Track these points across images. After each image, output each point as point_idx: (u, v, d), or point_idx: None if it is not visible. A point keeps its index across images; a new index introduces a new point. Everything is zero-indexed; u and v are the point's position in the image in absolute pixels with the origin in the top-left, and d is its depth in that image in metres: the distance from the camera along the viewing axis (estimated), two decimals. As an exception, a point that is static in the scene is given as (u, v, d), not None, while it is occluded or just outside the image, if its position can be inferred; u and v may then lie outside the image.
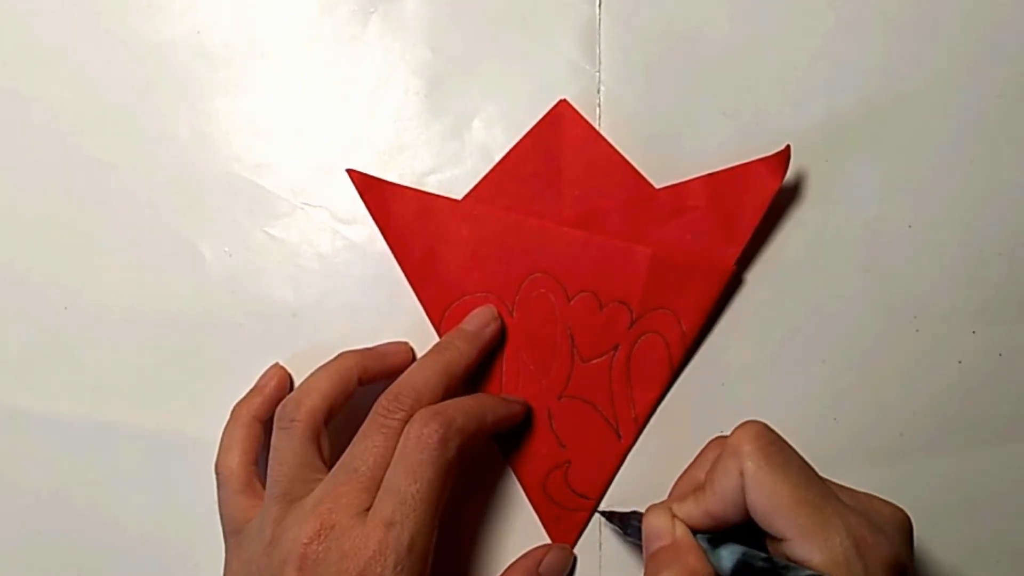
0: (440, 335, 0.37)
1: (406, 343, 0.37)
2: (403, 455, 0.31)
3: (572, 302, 0.37)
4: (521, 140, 0.37)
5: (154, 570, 0.37)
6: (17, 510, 0.38)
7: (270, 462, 0.33)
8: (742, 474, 0.28)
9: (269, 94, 0.39)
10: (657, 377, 0.36)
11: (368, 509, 0.30)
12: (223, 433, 0.35)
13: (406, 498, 0.30)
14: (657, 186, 0.37)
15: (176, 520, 0.35)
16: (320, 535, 0.30)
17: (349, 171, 0.37)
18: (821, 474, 0.29)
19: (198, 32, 0.39)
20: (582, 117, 0.37)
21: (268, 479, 0.33)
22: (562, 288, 0.37)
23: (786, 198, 0.37)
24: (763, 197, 0.36)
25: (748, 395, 0.37)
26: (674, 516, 0.31)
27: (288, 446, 0.33)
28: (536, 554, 0.36)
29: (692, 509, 0.30)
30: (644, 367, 0.36)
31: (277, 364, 0.37)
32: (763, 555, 0.28)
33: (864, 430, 0.37)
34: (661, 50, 0.38)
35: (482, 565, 0.36)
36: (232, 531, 0.34)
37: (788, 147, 0.35)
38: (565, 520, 0.37)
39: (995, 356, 0.37)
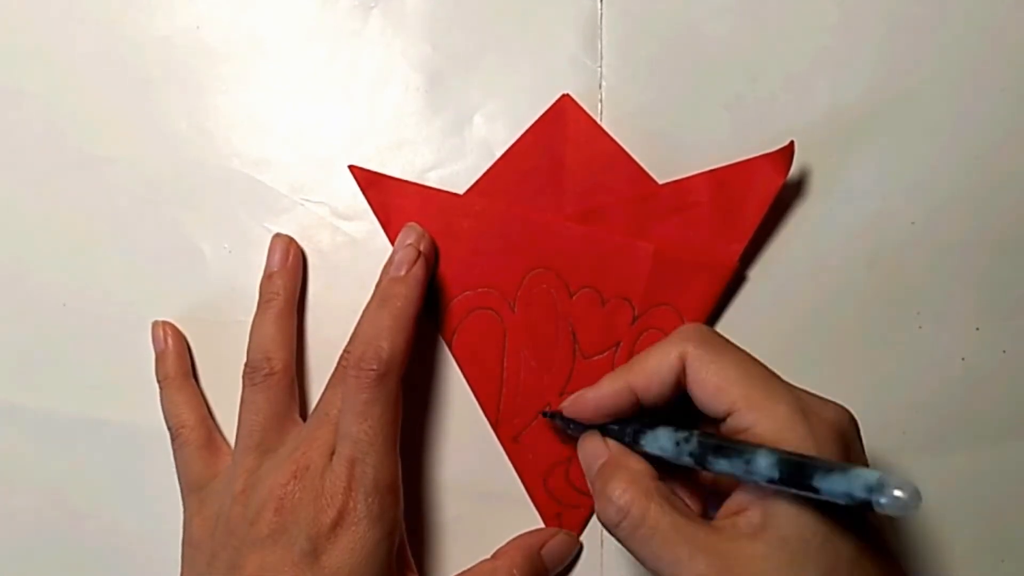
0: (441, 332, 0.37)
1: (286, 242, 0.37)
2: (348, 399, 0.32)
3: (574, 298, 0.36)
4: (523, 135, 0.37)
5: (153, 568, 0.37)
6: (15, 508, 0.38)
7: (242, 415, 0.34)
8: (682, 357, 0.29)
9: (269, 90, 0.38)
10: (659, 374, 0.36)
11: None
12: (163, 400, 0.36)
13: (360, 438, 0.31)
14: (660, 181, 0.37)
15: (176, 518, 0.35)
16: (297, 476, 0.31)
17: (351, 167, 0.37)
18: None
19: (198, 27, 0.39)
20: (584, 112, 0.37)
21: (240, 432, 0.34)
22: (564, 284, 0.36)
23: (789, 194, 0.37)
24: (767, 193, 0.36)
25: (750, 392, 0.37)
26: (604, 437, 0.32)
27: (264, 397, 0.34)
28: (541, 535, 0.36)
29: (607, 386, 0.31)
30: (646, 364, 0.36)
31: (156, 322, 0.38)
32: (698, 435, 0.28)
33: (867, 427, 0.36)
34: (663, 45, 0.37)
35: (483, 563, 0.36)
36: (193, 488, 0.35)
37: (792, 143, 0.35)
38: (566, 517, 0.36)
39: (999, 353, 0.37)
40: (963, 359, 0.37)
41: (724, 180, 0.36)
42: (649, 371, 0.30)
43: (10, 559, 0.38)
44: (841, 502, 0.24)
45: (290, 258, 0.37)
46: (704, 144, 0.37)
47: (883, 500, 0.22)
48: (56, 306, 0.38)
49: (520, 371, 0.37)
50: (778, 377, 0.29)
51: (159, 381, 0.37)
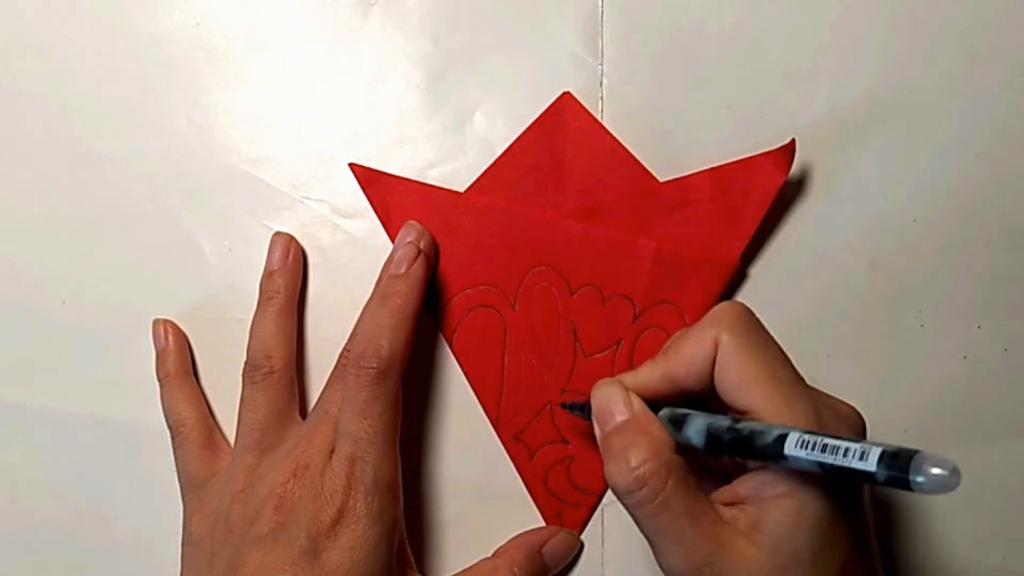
0: (441, 330, 0.37)
1: (286, 240, 0.37)
2: (348, 397, 0.32)
3: (575, 296, 0.36)
4: (524, 132, 0.37)
5: (153, 566, 0.37)
6: (14, 506, 0.38)
7: (242, 413, 0.34)
8: (716, 343, 0.28)
9: (269, 87, 0.38)
10: (660, 372, 0.36)
11: None
12: (164, 398, 0.36)
13: (360, 436, 0.31)
14: (660, 179, 0.36)
15: (175, 516, 0.35)
16: (296, 474, 0.31)
17: (351, 165, 0.37)
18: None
19: (197, 24, 0.38)
20: (585, 109, 0.37)
21: (240, 430, 0.34)
22: (565, 282, 0.36)
23: (790, 192, 0.37)
24: (768, 191, 0.36)
25: (752, 390, 0.37)
26: (628, 390, 0.30)
27: (264, 395, 0.34)
28: (542, 533, 0.36)
29: (652, 372, 0.30)
30: (647, 362, 0.36)
31: (156, 320, 0.37)
32: (728, 421, 0.27)
33: (868, 426, 0.37)
34: (664, 42, 0.37)
35: (484, 561, 0.36)
36: (193, 486, 0.35)
37: (793, 141, 0.35)
38: (567, 515, 0.36)
39: (1000, 351, 0.37)
40: (965, 357, 0.37)
41: (725, 178, 0.36)
42: (686, 357, 0.29)
43: (11, 558, 0.38)
44: (878, 480, 0.23)
45: (290, 256, 0.37)
46: (705, 142, 0.37)
47: (919, 478, 0.21)
48: (56, 304, 0.38)
49: (521, 369, 0.36)
50: (802, 381, 0.28)
51: (159, 379, 0.37)
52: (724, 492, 0.29)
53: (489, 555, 0.35)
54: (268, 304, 0.36)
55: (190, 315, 0.38)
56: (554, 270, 0.36)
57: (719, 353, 0.28)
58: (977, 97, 0.37)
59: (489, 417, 0.37)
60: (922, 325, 0.37)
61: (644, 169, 0.37)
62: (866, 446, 0.23)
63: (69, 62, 0.38)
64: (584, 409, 0.32)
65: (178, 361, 0.37)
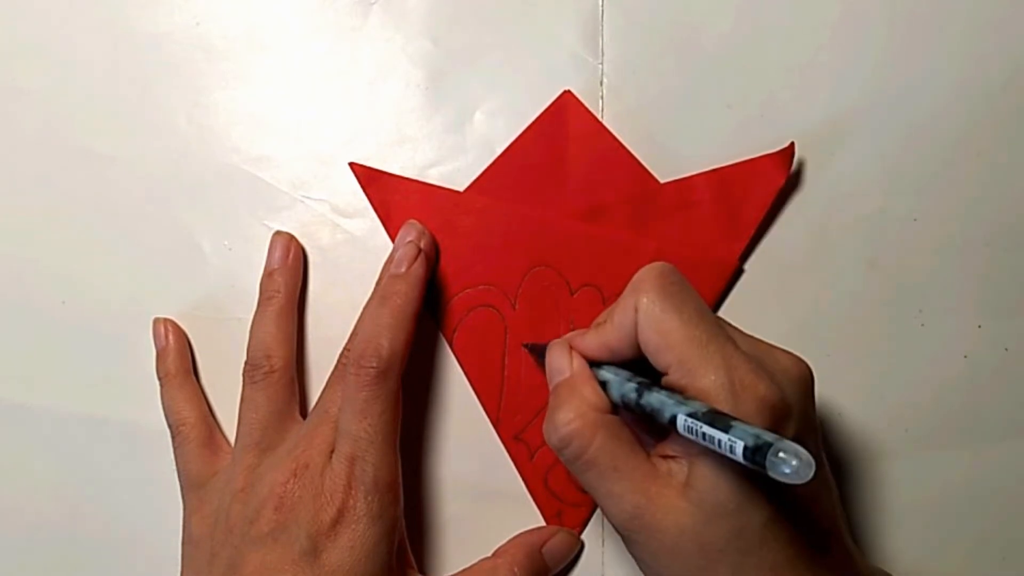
0: (442, 330, 0.37)
1: (286, 239, 0.37)
2: (348, 397, 0.32)
3: (575, 296, 0.36)
4: (524, 131, 0.37)
5: (153, 566, 0.37)
6: (14, 506, 0.38)
7: (242, 412, 0.34)
8: (636, 309, 0.28)
9: (269, 86, 0.38)
10: (660, 372, 0.36)
11: None
12: (164, 397, 0.36)
13: (360, 435, 0.31)
14: (660, 178, 0.36)
15: (176, 516, 0.35)
16: (296, 473, 0.31)
17: (351, 164, 0.37)
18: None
19: (197, 23, 0.38)
20: (586, 108, 0.37)
21: (240, 429, 0.34)
22: (565, 282, 0.36)
23: (790, 189, 0.37)
24: (767, 193, 0.36)
25: (752, 390, 0.36)
26: (572, 351, 0.31)
27: (264, 395, 0.34)
28: (542, 533, 0.36)
29: (592, 341, 0.31)
30: (647, 362, 0.36)
31: (157, 319, 0.37)
32: (635, 393, 0.28)
33: (868, 425, 0.37)
34: (664, 42, 0.37)
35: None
36: (193, 486, 0.35)
37: (792, 144, 0.35)
38: (567, 515, 0.36)
39: (1001, 350, 0.37)
40: (965, 356, 0.37)
41: (725, 179, 0.36)
42: (616, 326, 0.29)
43: (10, 558, 0.38)
44: (739, 460, 0.24)
45: (290, 256, 0.37)
46: (705, 142, 0.37)
47: (774, 472, 0.22)
48: (56, 304, 0.38)
49: (521, 369, 0.36)
50: (720, 338, 0.28)
51: (160, 378, 0.37)
52: (662, 446, 0.29)
53: (489, 555, 0.35)
54: (268, 304, 0.36)
55: (190, 315, 0.38)
56: (554, 270, 0.36)
57: (638, 318, 0.28)
58: (976, 96, 0.37)
59: (489, 417, 0.37)
60: (922, 325, 0.37)
61: (644, 169, 0.37)
62: (733, 440, 0.24)
63: (69, 62, 0.38)
64: (542, 353, 0.33)
65: (178, 360, 0.37)
